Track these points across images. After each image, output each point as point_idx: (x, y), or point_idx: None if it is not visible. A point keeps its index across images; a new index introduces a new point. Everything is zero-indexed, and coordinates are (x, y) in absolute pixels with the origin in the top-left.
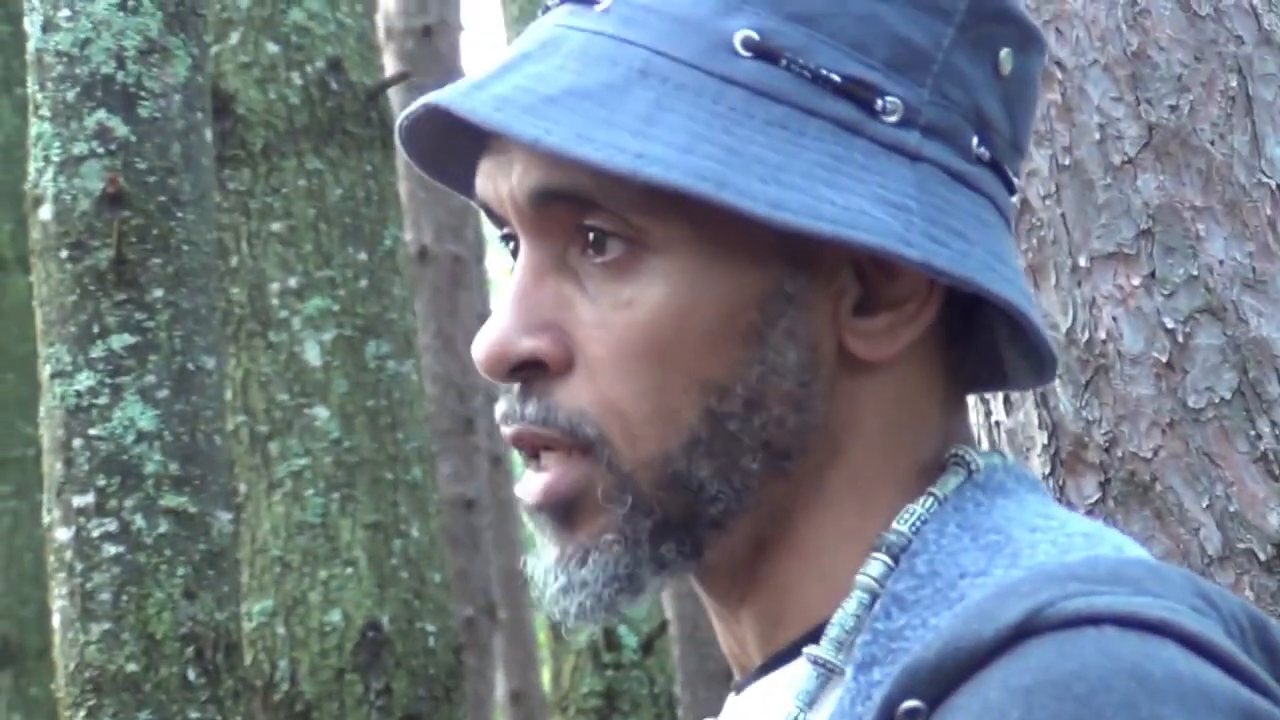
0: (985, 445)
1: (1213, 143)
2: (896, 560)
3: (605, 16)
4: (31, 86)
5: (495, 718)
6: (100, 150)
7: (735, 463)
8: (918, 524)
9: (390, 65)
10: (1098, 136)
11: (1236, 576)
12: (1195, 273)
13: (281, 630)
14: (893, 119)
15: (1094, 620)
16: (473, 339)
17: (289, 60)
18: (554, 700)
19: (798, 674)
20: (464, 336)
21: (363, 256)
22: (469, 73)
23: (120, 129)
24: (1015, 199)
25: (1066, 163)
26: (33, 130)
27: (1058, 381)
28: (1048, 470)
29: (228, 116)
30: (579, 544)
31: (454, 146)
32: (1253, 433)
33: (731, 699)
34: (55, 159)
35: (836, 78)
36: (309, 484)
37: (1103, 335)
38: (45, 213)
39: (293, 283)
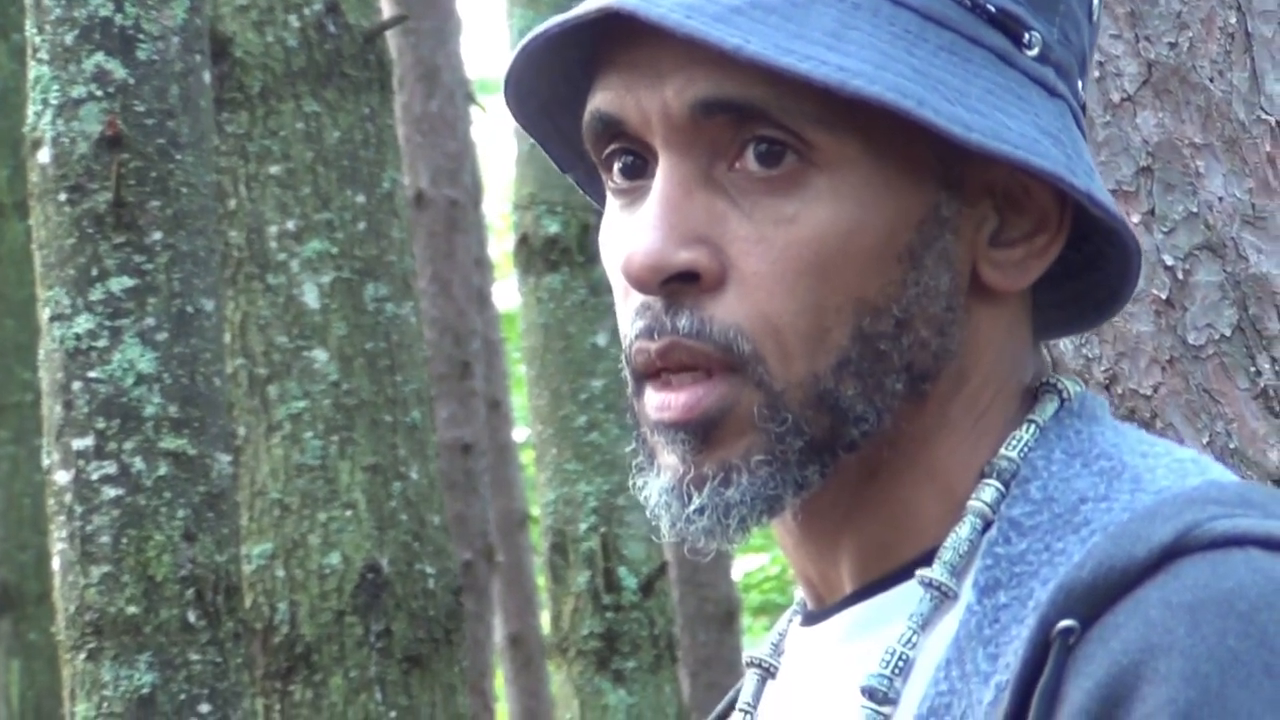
0: None
1: (1212, 80)
2: (1008, 486)
3: None
4: (30, 29)
5: (494, 661)
6: (99, 93)
7: (880, 383)
8: (1025, 450)
9: (387, 8)
10: (1097, 74)
11: None
12: (1195, 209)
13: (281, 573)
14: (1033, 53)
15: (1239, 541)
16: (469, 283)
17: (286, 3)
18: (554, 642)
19: (902, 599)
20: (460, 281)
21: (361, 199)
22: (464, 18)
23: (119, 72)
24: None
25: None
26: (31, 73)
27: None
28: None
29: (225, 59)
30: (721, 463)
31: (552, 79)
32: (1253, 369)
33: (801, 631)
34: (54, 102)
35: (992, 7)
36: (308, 426)
37: None
38: (44, 156)
39: (291, 225)
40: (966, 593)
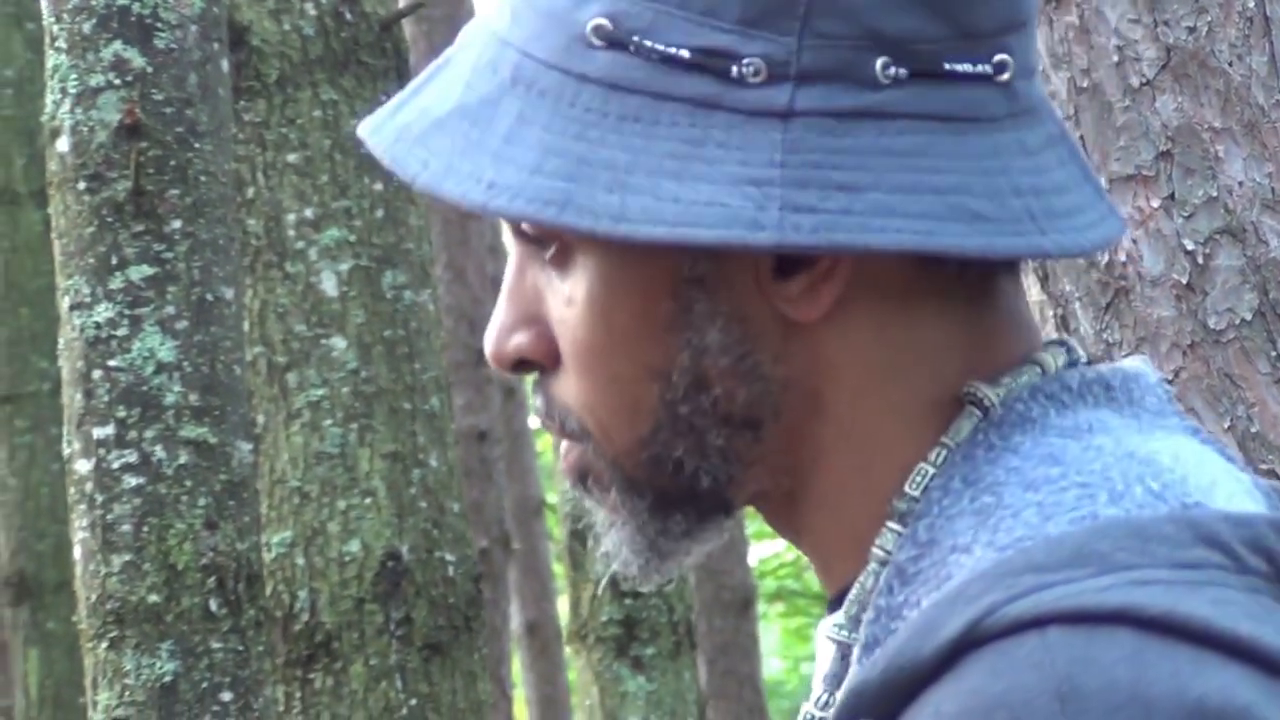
0: None
1: (1231, 64)
2: (905, 525)
3: (500, 15)
4: (47, 19)
5: (510, 649)
6: (117, 81)
7: (702, 440)
8: (926, 484)
9: None
10: (1116, 59)
11: None
12: (1214, 194)
13: (301, 561)
14: (756, 80)
15: (1039, 622)
16: (483, 270)
17: None
18: (573, 629)
19: (828, 646)
20: (475, 268)
21: (378, 187)
22: (476, 6)
23: (137, 60)
24: (1005, 76)
25: (1084, 85)
26: (49, 62)
27: (1078, 304)
28: None
29: (243, 48)
30: (608, 513)
31: None
32: (1273, 353)
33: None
34: (72, 91)
35: (685, 53)
36: (327, 414)
37: (1122, 257)
38: (63, 144)
39: (309, 213)
40: (855, 651)
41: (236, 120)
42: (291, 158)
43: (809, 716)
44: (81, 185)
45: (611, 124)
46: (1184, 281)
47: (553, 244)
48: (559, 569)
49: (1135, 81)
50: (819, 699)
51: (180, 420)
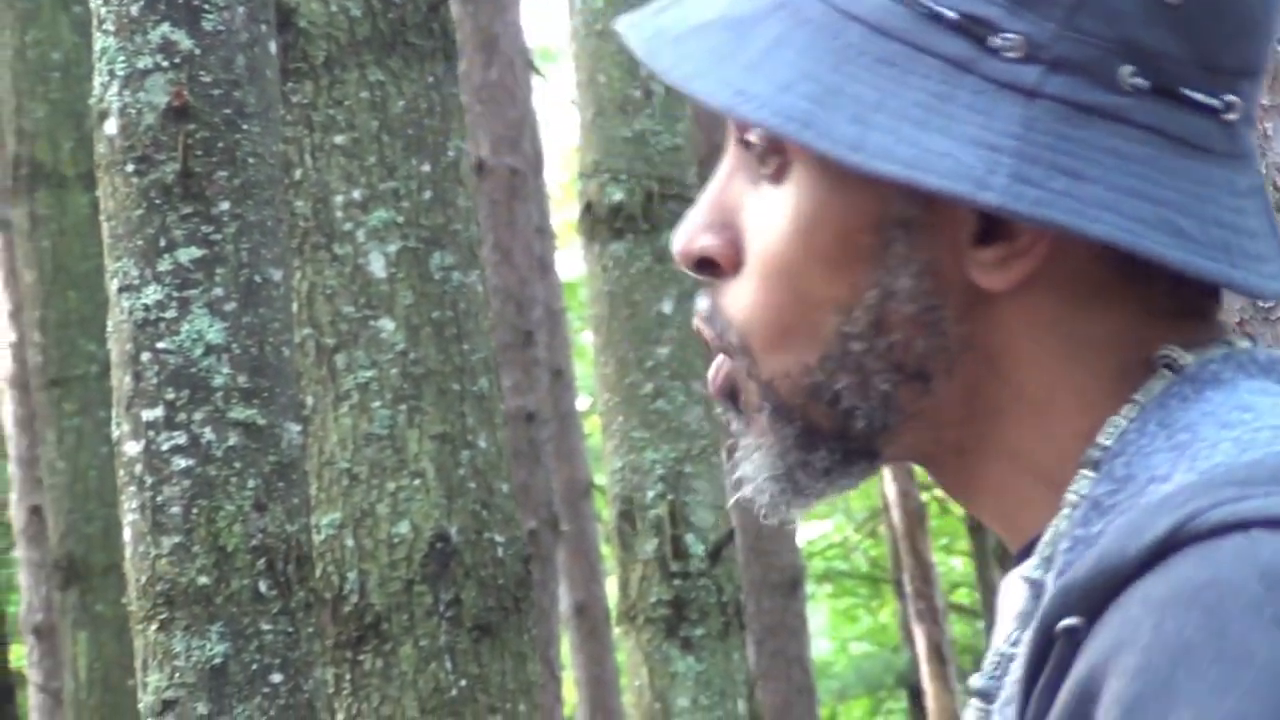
0: None
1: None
2: (1099, 471)
3: None
4: (95, 1)
5: (559, 630)
6: (165, 64)
7: (867, 381)
8: (1121, 432)
9: None
10: None
11: None
12: (1263, 170)
13: (350, 542)
14: (1012, 55)
15: (1243, 525)
16: (530, 251)
17: None
18: (621, 610)
19: (1018, 592)
20: (522, 249)
21: (426, 168)
22: None
23: (184, 42)
24: (1231, 116)
25: None
26: (96, 45)
27: None
28: None
29: (290, 29)
30: (753, 438)
31: None
32: None
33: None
34: (120, 73)
35: (952, 14)
36: (375, 396)
37: None
38: (110, 127)
39: (357, 195)
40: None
41: (284, 102)
42: (339, 139)
43: (999, 653)
44: (129, 167)
45: (867, 63)
46: None
47: (774, 160)
48: (607, 550)
49: None
50: (1009, 636)
51: (229, 402)
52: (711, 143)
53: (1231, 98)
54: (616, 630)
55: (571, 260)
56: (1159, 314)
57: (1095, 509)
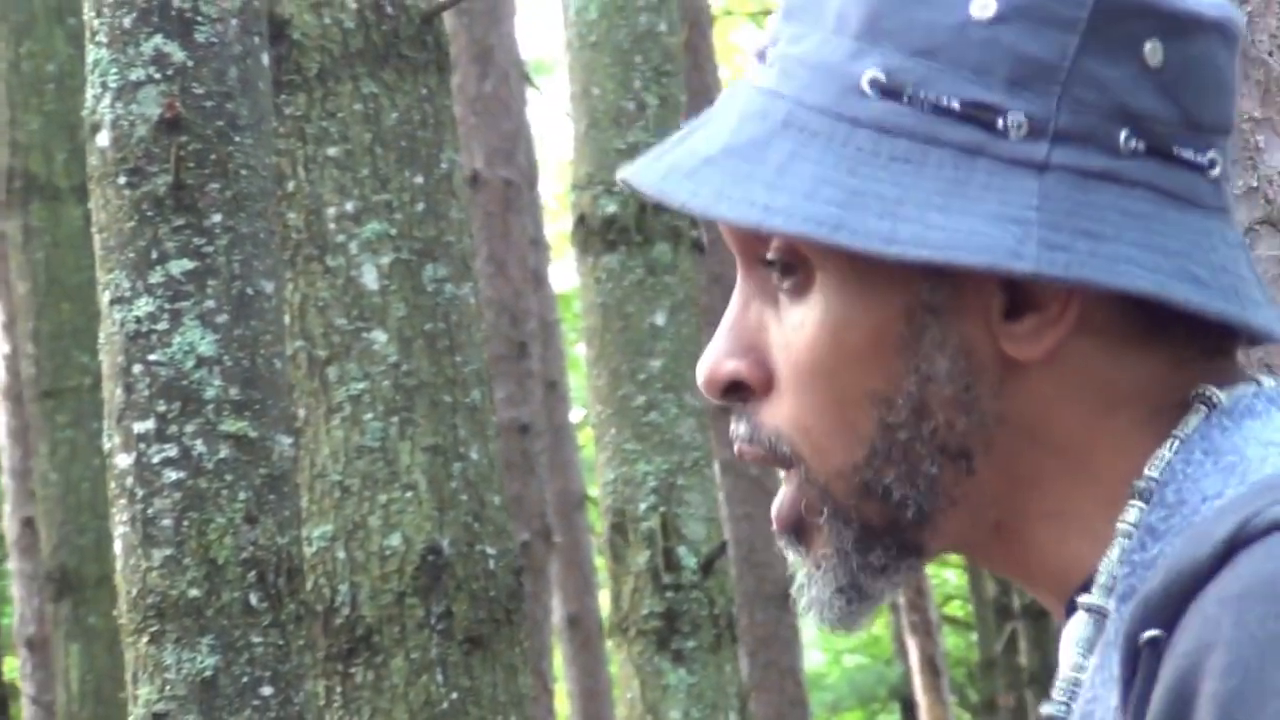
0: None
1: (1271, 54)
2: (1148, 502)
3: (767, 71)
4: (88, 13)
5: (551, 642)
6: (157, 76)
7: (916, 468)
8: (1166, 465)
9: None
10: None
11: None
12: (1255, 184)
13: (341, 554)
14: (1019, 133)
15: None
16: (525, 263)
17: None
18: (613, 622)
19: (1075, 626)
20: (516, 261)
21: (419, 180)
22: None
23: (177, 54)
24: (1215, 172)
25: None
26: (89, 57)
27: None
28: None
29: (283, 41)
30: (811, 563)
31: None
32: None
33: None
34: (113, 85)
35: (956, 105)
36: (368, 408)
37: None
38: (103, 139)
39: (349, 207)
40: (1112, 604)
41: (277, 114)
42: (332, 151)
43: (1066, 680)
44: (122, 179)
45: (881, 163)
46: None
47: (796, 273)
48: (600, 562)
49: None
50: (1074, 663)
51: (220, 414)
52: None
53: (1213, 154)
54: (609, 642)
55: (566, 272)
56: (1185, 358)
57: (1150, 534)
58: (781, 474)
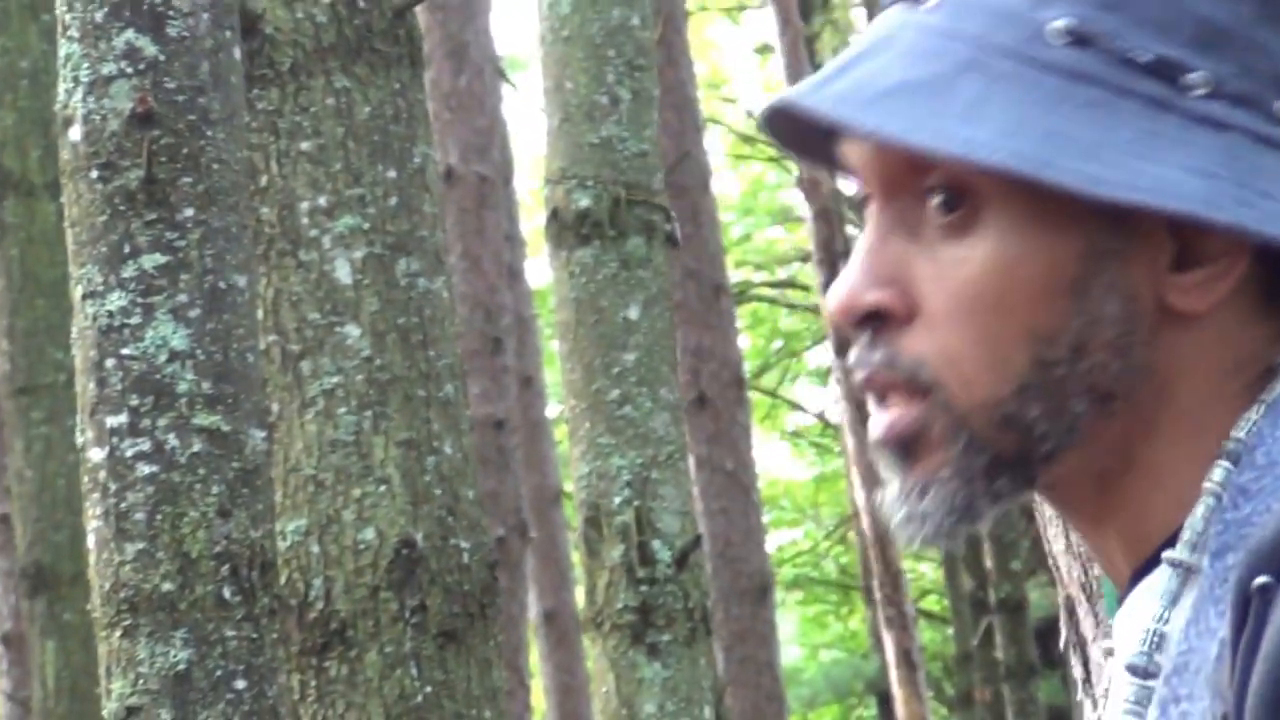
0: None
1: None
2: (1237, 462)
3: (933, 13)
4: (60, 7)
5: (528, 638)
6: (129, 70)
7: (1063, 405)
8: (1253, 427)
9: None
10: None
11: None
12: None
13: (315, 549)
14: (1200, 92)
15: None
16: (500, 258)
17: None
18: (588, 616)
19: (1156, 581)
20: (491, 257)
21: (392, 174)
22: None
23: (149, 48)
24: None
25: None
26: (61, 51)
27: None
28: None
29: (255, 36)
30: (918, 478)
31: (811, 129)
32: None
33: (1119, 612)
34: (84, 79)
35: (1146, 58)
36: (341, 402)
37: None
38: (75, 133)
39: (322, 201)
40: (1204, 561)
41: (249, 108)
42: (305, 145)
43: (1150, 630)
44: (94, 174)
45: (1072, 109)
46: None
47: (961, 208)
48: (577, 558)
49: None
50: (1158, 615)
51: (193, 408)
52: (679, 149)
53: None
54: (585, 637)
55: (542, 268)
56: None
57: (1242, 494)
58: (892, 397)
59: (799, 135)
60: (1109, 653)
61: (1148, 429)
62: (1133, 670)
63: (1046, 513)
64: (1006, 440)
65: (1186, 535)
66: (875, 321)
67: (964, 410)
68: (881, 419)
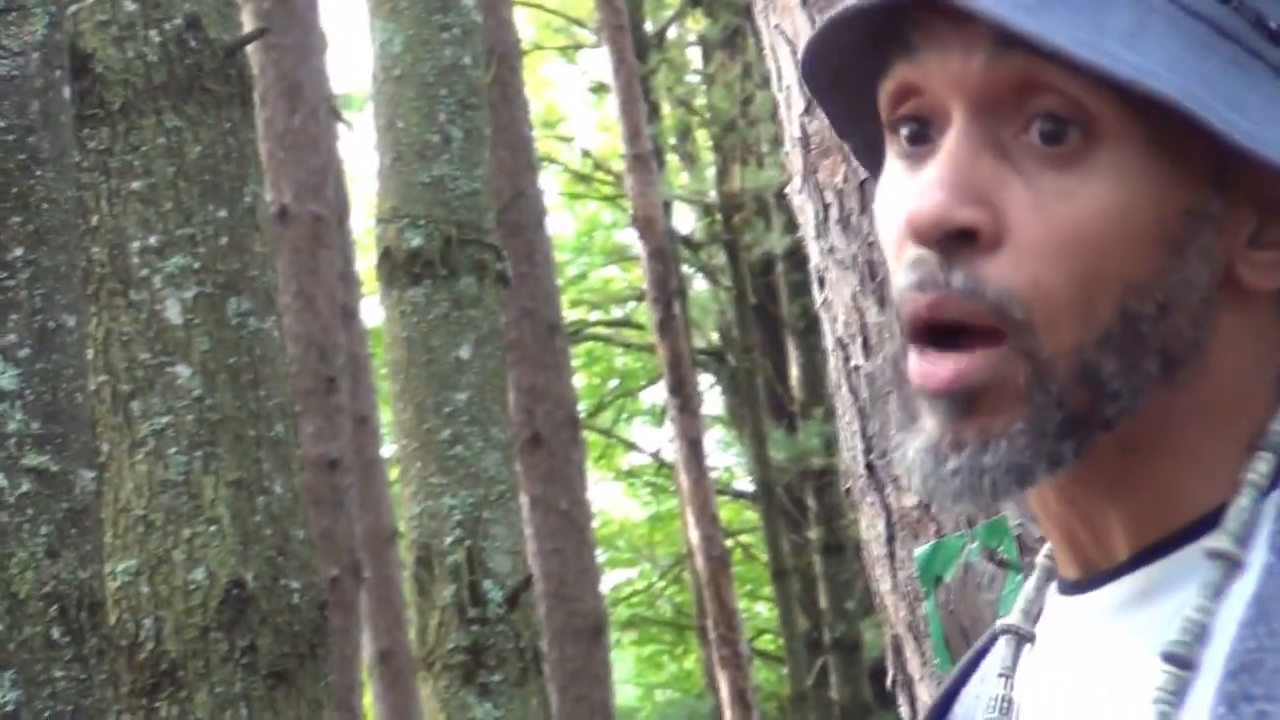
0: (844, 391)
1: None
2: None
3: None
4: None
5: (362, 677)
6: None
7: (1137, 363)
8: None
9: (248, 23)
10: None
11: None
12: None
13: (145, 589)
14: None
15: None
16: (334, 298)
17: (147, 18)
18: (420, 656)
19: (1179, 567)
20: (325, 296)
21: (223, 214)
22: (327, 33)
23: None
24: None
25: None
26: None
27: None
28: None
29: (86, 75)
30: (982, 429)
31: (844, 50)
32: None
33: (1061, 599)
34: None
35: (1275, 25)
36: (172, 442)
37: None
38: None
39: (153, 241)
40: (1260, 556)
41: (80, 148)
42: (135, 185)
43: (1190, 620)
44: None
45: (1219, 62)
46: None
47: (1073, 139)
48: (410, 596)
49: None
50: (1199, 606)
51: (22, 448)
52: (514, 188)
53: None
54: (417, 676)
55: (378, 307)
56: None
57: None
58: (950, 344)
59: (835, 60)
60: (1009, 631)
61: (1189, 406)
62: (1171, 659)
63: (874, 552)
64: (1080, 396)
65: (1232, 526)
66: (959, 241)
67: (1047, 356)
68: (944, 363)
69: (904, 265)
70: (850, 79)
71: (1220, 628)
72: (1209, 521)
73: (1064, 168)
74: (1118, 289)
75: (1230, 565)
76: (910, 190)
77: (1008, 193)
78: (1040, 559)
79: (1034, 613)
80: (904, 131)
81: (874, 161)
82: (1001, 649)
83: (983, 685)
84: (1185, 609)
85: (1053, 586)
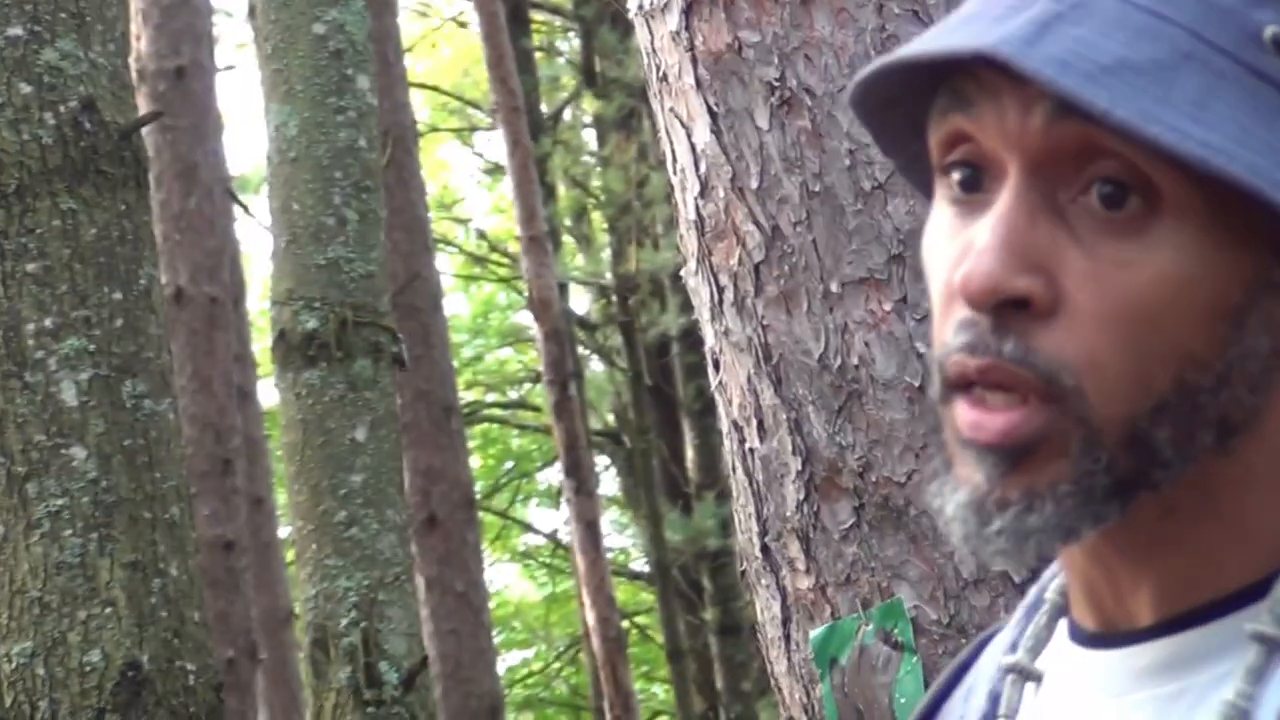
0: (740, 473)
1: None
2: None
3: None
4: None
5: None
6: None
7: (1192, 433)
8: None
9: (144, 105)
10: (848, 163)
11: (991, 599)
12: None
13: (41, 671)
14: None
15: None
16: (229, 379)
17: (42, 100)
18: None
19: (1210, 642)
20: (221, 378)
21: (118, 296)
22: (224, 112)
23: None
24: None
25: (817, 189)
26: None
27: (810, 407)
28: (802, 496)
29: None
30: (1027, 489)
31: (896, 81)
32: None
33: (1076, 649)
34: None
35: None
36: (67, 524)
37: (855, 361)
38: None
39: (48, 323)
40: None
41: None
42: (30, 267)
43: (1230, 704)
44: None
45: None
46: (916, 385)
47: (1134, 206)
48: (306, 678)
49: (867, 185)
50: (1240, 691)
51: None
52: (410, 269)
53: None
54: None
55: (273, 388)
56: None
57: None
58: (1000, 396)
59: (893, 88)
60: (1016, 671)
61: (1239, 471)
62: None
63: (769, 634)
64: (1126, 461)
65: (1277, 608)
66: (1012, 309)
67: (1099, 424)
68: (993, 419)
69: (952, 324)
70: (898, 105)
71: (1263, 715)
72: (1246, 595)
73: (1123, 235)
74: (1175, 361)
75: (1273, 649)
76: (962, 244)
77: (1064, 259)
78: (1051, 595)
79: (1040, 650)
80: (956, 176)
81: (918, 179)
82: (1008, 689)
83: (968, 703)
84: (1225, 693)
85: (1063, 625)
